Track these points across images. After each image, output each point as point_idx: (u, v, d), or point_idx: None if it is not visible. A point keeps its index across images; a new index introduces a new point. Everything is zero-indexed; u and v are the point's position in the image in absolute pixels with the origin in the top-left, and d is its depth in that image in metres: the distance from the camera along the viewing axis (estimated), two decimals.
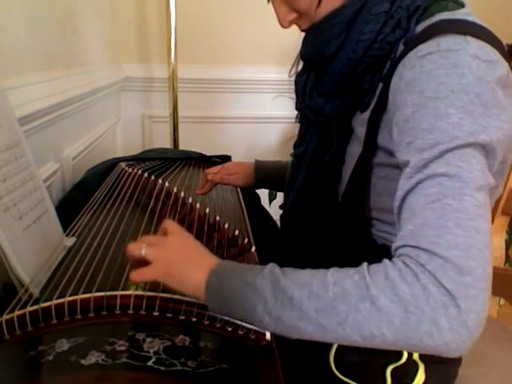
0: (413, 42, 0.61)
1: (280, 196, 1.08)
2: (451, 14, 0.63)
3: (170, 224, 0.68)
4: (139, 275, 0.62)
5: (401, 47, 0.64)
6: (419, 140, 0.56)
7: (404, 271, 0.51)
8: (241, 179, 1.11)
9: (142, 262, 0.63)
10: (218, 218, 0.98)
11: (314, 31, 0.72)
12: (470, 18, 0.62)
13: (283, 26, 0.73)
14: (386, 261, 0.54)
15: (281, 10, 0.72)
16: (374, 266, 0.54)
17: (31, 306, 0.66)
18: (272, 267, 0.58)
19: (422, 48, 0.59)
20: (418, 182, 0.55)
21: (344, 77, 0.70)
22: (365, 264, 0.55)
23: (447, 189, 0.53)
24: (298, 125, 0.87)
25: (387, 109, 0.65)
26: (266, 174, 1.10)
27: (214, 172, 1.10)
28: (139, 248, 0.63)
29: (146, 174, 1.22)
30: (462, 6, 0.65)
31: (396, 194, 0.58)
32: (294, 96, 0.85)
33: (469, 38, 0.58)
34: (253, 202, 1.31)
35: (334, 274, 0.54)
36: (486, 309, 0.50)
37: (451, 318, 0.48)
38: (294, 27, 0.76)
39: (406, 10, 0.65)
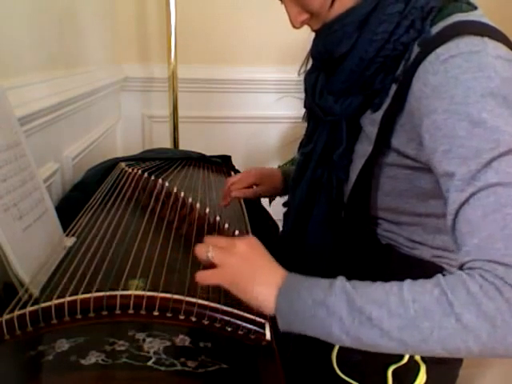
0: (430, 45, 0.61)
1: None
2: (466, 16, 0.62)
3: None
4: (204, 278, 0.62)
5: (415, 49, 0.64)
6: (460, 148, 0.56)
7: (485, 286, 0.50)
8: (267, 191, 1.05)
9: (209, 264, 0.63)
10: (217, 218, 0.98)
11: (326, 31, 0.71)
12: (484, 20, 0.62)
13: (295, 27, 0.73)
14: (461, 274, 0.53)
15: (292, 10, 0.71)
16: (451, 280, 0.53)
17: (31, 306, 0.66)
18: (342, 283, 0.57)
19: (442, 51, 0.59)
20: (472, 194, 0.54)
21: (355, 76, 0.70)
22: (440, 276, 0.54)
23: (503, 197, 0.53)
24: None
25: (404, 111, 0.64)
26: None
27: (234, 183, 1.03)
28: (206, 250, 0.63)
29: (146, 174, 1.22)
30: (475, 8, 0.65)
31: (447, 208, 0.57)
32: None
33: (486, 39, 0.58)
34: (253, 201, 1.31)
35: (410, 289, 0.53)
36: None
37: None
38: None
39: (420, 10, 0.65)
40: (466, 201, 0.55)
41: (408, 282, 0.55)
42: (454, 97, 0.57)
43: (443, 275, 0.54)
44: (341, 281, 0.57)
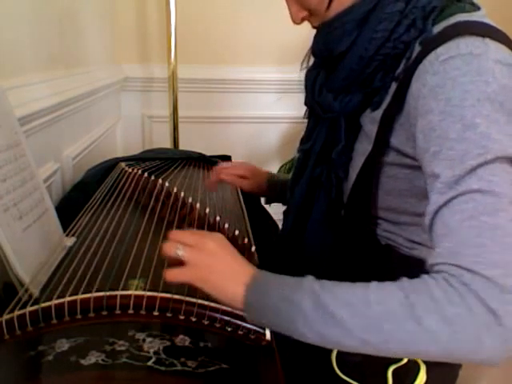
0: (431, 44, 0.61)
1: None
2: (468, 16, 0.62)
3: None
4: (174, 276, 0.62)
5: (417, 48, 0.64)
6: (448, 151, 0.56)
7: (449, 291, 0.51)
8: (252, 188, 1.11)
9: (177, 261, 0.62)
10: (218, 218, 0.98)
11: (326, 28, 0.72)
12: (486, 20, 0.62)
13: (295, 23, 0.75)
14: (427, 278, 0.53)
15: (293, 7, 0.73)
16: (416, 283, 0.53)
17: (31, 306, 0.66)
18: (310, 281, 0.57)
19: (442, 51, 0.59)
20: (452, 198, 0.55)
21: (354, 74, 0.70)
22: (405, 279, 0.54)
23: (481, 205, 0.53)
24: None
25: (404, 110, 0.64)
26: (277, 190, 1.09)
27: (226, 170, 1.09)
28: (175, 248, 0.62)
29: (146, 174, 1.22)
30: (478, 8, 0.65)
31: (427, 208, 0.58)
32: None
33: (487, 40, 0.58)
34: (253, 201, 1.31)
35: (375, 291, 0.54)
36: None
37: (495, 335, 0.49)
38: (299, 26, 0.77)
39: (422, 10, 0.65)
40: (445, 204, 0.55)
41: (374, 283, 0.55)
42: (451, 99, 0.57)
43: (411, 278, 0.55)
44: (309, 279, 0.58)
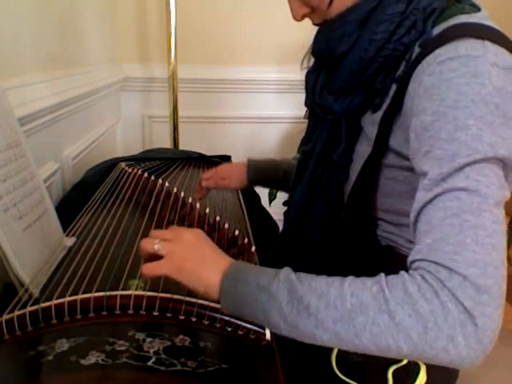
0: (430, 46, 0.61)
1: (280, 196, 1.08)
2: (468, 18, 0.62)
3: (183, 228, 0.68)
4: (151, 269, 0.62)
5: (416, 49, 0.64)
6: (438, 150, 0.56)
7: (423, 287, 0.51)
8: (235, 183, 1.12)
9: (155, 258, 0.63)
10: (218, 218, 0.98)
11: (327, 28, 0.72)
12: (487, 22, 0.62)
13: (296, 19, 0.74)
14: (404, 274, 0.54)
15: (294, 3, 0.73)
16: (392, 278, 0.54)
17: (31, 306, 0.66)
18: (287, 272, 0.58)
19: (440, 53, 0.59)
20: (437, 195, 0.55)
21: (355, 76, 0.70)
22: (382, 275, 0.55)
23: (466, 204, 0.53)
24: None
25: (402, 112, 0.64)
26: (258, 175, 1.11)
27: (207, 178, 1.10)
28: (152, 243, 0.63)
29: (145, 174, 1.22)
30: (479, 9, 0.65)
31: (413, 205, 0.58)
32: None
33: (487, 43, 0.58)
34: (253, 201, 1.31)
35: (351, 284, 0.54)
36: (500, 325, 0.51)
37: (468, 335, 0.49)
38: (298, 26, 0.77)
39: (422, 11, 0.64)
40: (430, 201, 0.56)
41: (351, 277, 0.55)
42: (445, 99, 0.57)
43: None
44: (286, 270, 0.59)
